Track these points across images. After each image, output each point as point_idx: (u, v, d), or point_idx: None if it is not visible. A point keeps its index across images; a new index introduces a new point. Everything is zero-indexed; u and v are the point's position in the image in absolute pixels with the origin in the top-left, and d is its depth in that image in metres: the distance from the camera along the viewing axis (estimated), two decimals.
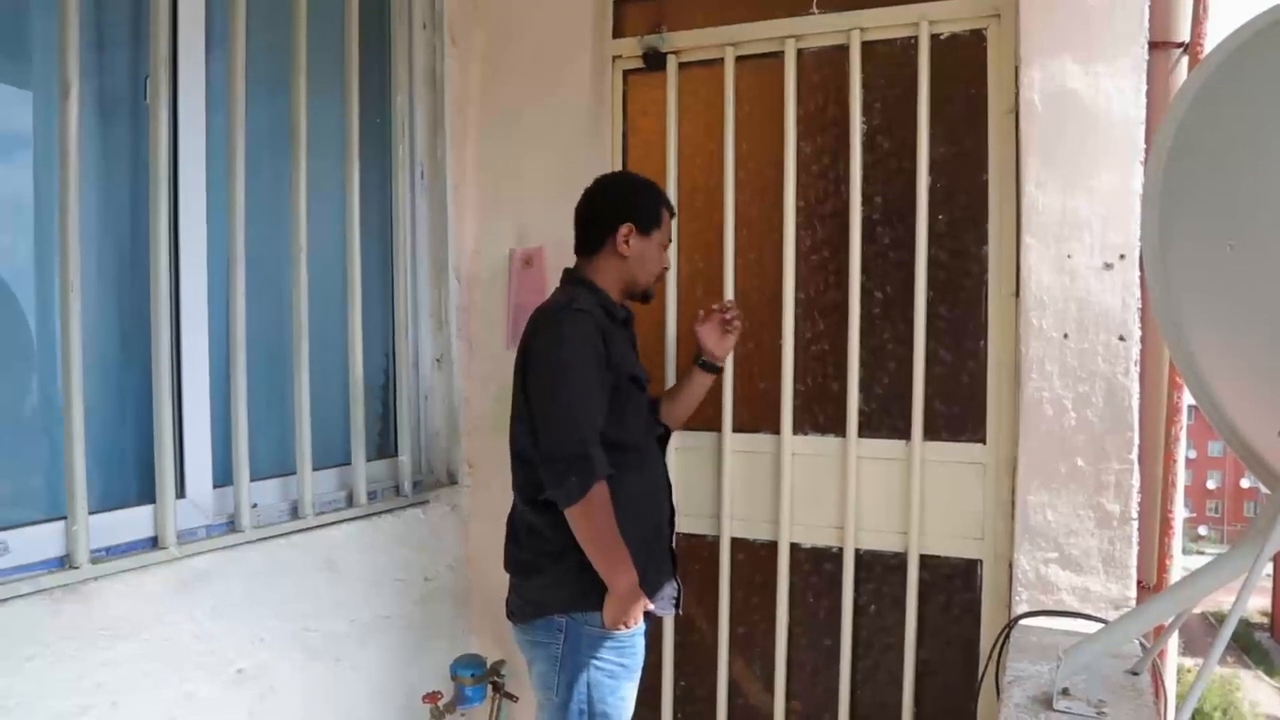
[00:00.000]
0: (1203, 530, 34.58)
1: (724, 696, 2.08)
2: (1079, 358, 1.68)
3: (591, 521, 1.48)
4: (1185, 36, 1.79)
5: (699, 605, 2.11)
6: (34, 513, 1.37)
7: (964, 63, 1.87)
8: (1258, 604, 24.63)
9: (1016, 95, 1.75)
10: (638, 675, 1.61)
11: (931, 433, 1.90)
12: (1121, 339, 1.66)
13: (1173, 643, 1.72)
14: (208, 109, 1.61)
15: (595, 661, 1.54)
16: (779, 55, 2.02)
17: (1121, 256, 1.66)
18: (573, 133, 2.14)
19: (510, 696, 2.01)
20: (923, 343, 1.88)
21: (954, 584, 1.90)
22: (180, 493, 1.57)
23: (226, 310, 1.65)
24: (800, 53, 2.01)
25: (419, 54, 2.13)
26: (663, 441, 1.83)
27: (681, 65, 2.13)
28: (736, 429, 2.06)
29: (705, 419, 2.00)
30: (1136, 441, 1.66)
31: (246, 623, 1.61)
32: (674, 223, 1.82)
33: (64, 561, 1.36)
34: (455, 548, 2.18)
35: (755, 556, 2.07)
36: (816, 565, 2.02)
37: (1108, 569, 1.67)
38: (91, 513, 1.39)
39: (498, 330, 2.21)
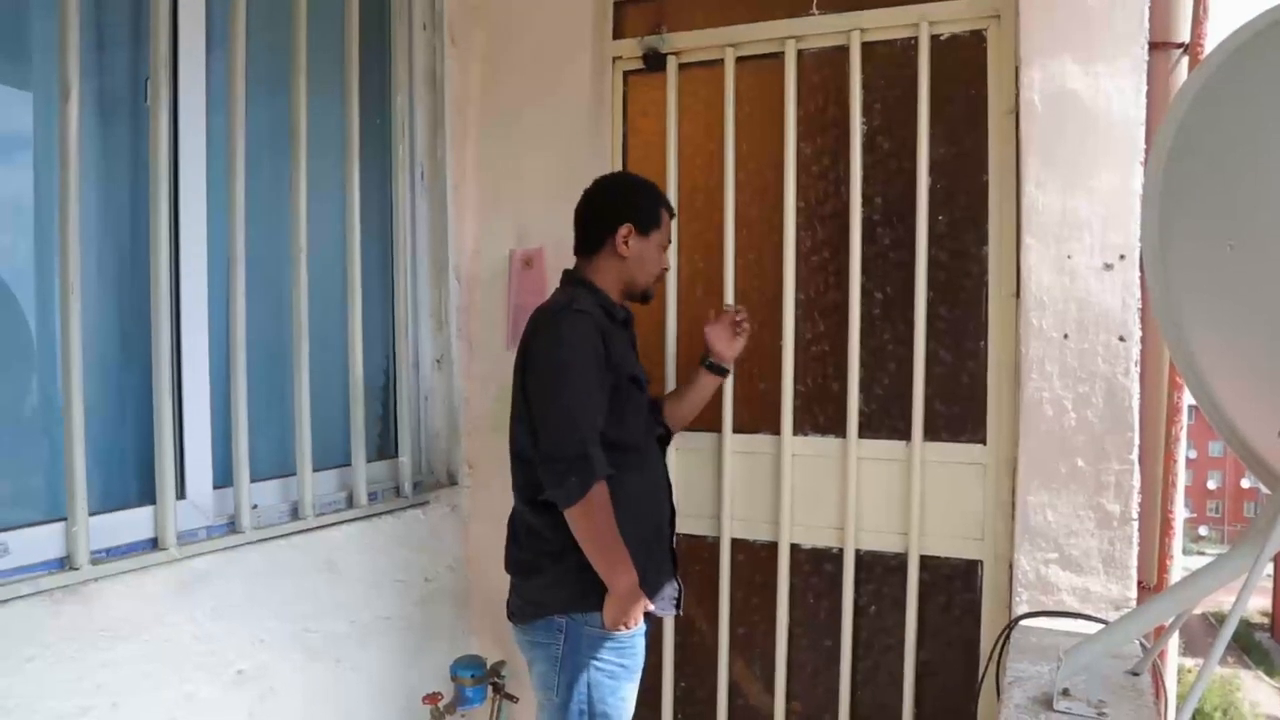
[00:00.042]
0: (1203, 530, 34.58)
1: (724, 697, 2.08)
2: (1079, 358, 1.68)
3: (591, 522, 1.48)
4: (1185, 37, 1.79)
5: (699, 606, 2.10)
6: (34, 514, 1.37)
7: (964, 63, 1.87)
8: (1258, 604, 24.63)
9: (1016, 96, 1.76)
10: (638, 676, 1.61)
11: (932, 433, 1.90)
12: (1121, 339, 1.66)
13: (1173, 643, 1.72)
14: (208, 109, 1.61)
15: (595, 662, 1.54)
16: (779, 56, 2.02)
17: (1121, 257, 1.66)
18: (573, 133, 2.14)
19: (510, 697, 2.00)
20: (923, 343, 1.88)
21: (954, 585, 1.90)
22: (180, 494, 1.57)
23: (227, 311, 1.65)
24: (800, 53, 2.01)
25: (419, 54, 2.13)
26: (663, 442, 1.83)
27: (681, 66, 2.13)
28: (737, 430, 2.06)
29: (705, 420, 2.00)
30: (1137, 442, 1.66)
31: (247, 624, 1.61)
32: (674, 223, 1.82)
33: (64, 563, 1.36)
34: (455, 548, 2.18)
35: (755, 557, 2.07)
36: (817, 566, 2.02)
37: (1108, 569, 1.67)
38: (91, 514, 1.39)
39: (498, 331, 2.21)
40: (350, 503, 1.91)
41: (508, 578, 1.67)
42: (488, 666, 1.98)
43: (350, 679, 1.84)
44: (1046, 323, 1.71)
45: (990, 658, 1.63)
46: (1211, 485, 35.48)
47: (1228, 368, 1.02)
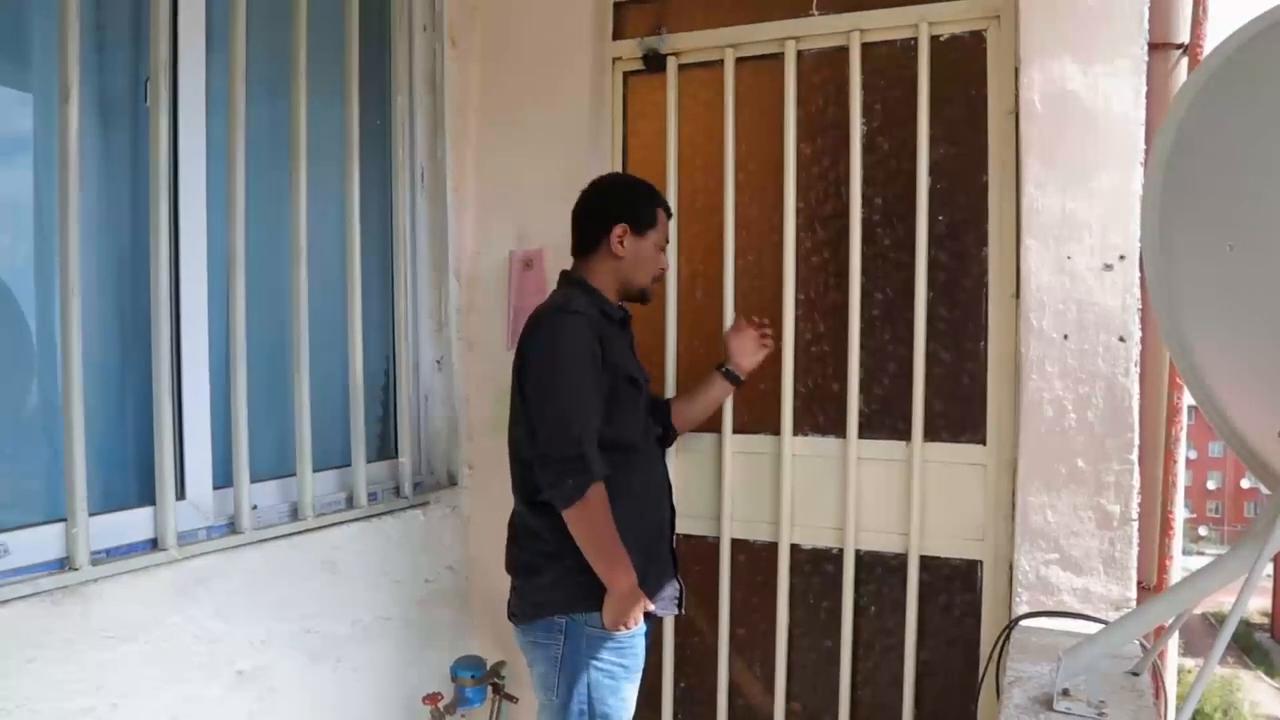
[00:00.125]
0: (1203, 531, 34.58)
1: (724, 697, 2.08)
2: (1079, 359, 1.68)
3: (589, 523, 1.48)
4: (1185, 38, 1.80)
5: (699, 606, 2.10)
6: (34, 515, 1.37)
7: (964, 64, 1.87)
8: (1258, 604, 24.62)
9: (1016, 96, 1.76)
10: (638, 676, 1.61)
11: (932, 434, 1.90)
12: (1121, 340, 1.66)
13: (1173, 643, 1.72)
14: (208, 111, 1.61)
15: (595, 662, 1.54)
16: (779, 57, 2.02)
17: (1121, 257, 1.66)
18: (573, 135, 2.14)
19: (510, 698, 2.00)
20: (923, 344, 1.88)
21: (954, 585, 1.90)
22: (180, 494, 1.57)
23: (227, 312, 1.65)
24: (800, 54, 2.01)
25: (419, 56, 2.13)
26: (663, 442, 1.84)
27: (681, 67, 2.13)
28: (737, 430, 2.06)
29: (706, 420, 1.99)
30: (1136, 442, 1.66)
31: (247, 624, 1.61)
32: (673, 224, 1.82)
33: (64, 563, 1.36)
34: (456, 549, 2.18)
35: (755, 558, 2.07)
36: (817, 566, 2.02)
37: (1108, 570, 1.67)
38: (91, 514, 1.39)
39: (498, 331, 2.21)
40: (350, 503, 1.91)
41: (508, 578, 1.67)
42: (488, 667, 1.98)
43: (350, 679, 1.84)
44: (1046, 323, 1.71)
45: (990, 658, 1.63)
46: (1211, 485, 35.48)
47: (1228, 368, 1.02)
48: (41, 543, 1.35)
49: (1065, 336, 1.69)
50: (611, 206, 1.67)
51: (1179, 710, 1.04)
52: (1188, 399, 1.71)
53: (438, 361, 2.19)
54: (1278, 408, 0.98)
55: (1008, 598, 1.79)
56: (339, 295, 1.92)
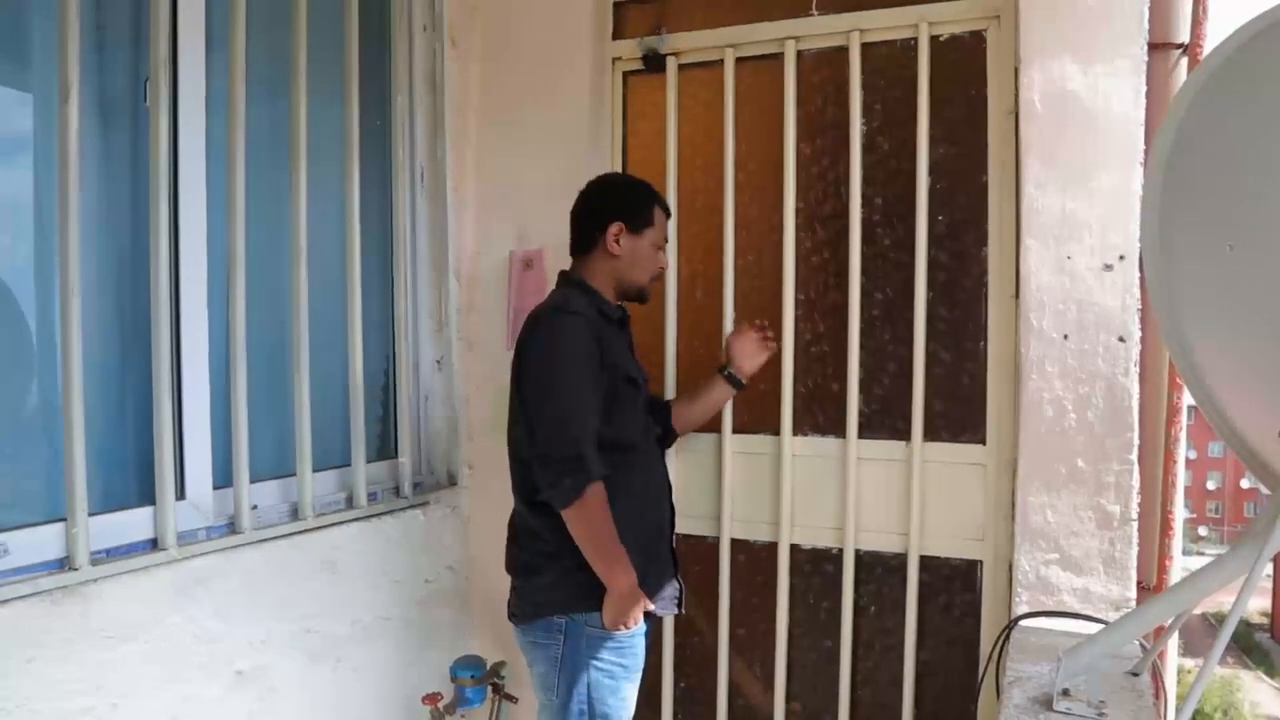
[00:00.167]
0: (1203, 531, 34.58)
1: (724, 697, 2.08)
2: (1079, 359, 1.68)
3: (588, 523, 1.48)
4: (1185, 38, 1.80)
5: (699, 606, 2.10)
6: (34, 514, 1.37)
7: (964, 64, 1.87)
8: (1258, 604, 24.63)
9: (1016, 96, 1.75)
10: (638, 676, 1.61)
11: (931, 434, 1.89)
12: (1121, 340, 1.66)
13: (1173, 643, 1.72)
14: (208, 111, 1.61)
15: (595, 662, 1.54)
16: (779, 57, 2.02)
17: (1121, 257, 1.66)
18: (573, 134, 2.14)
19: (510, 698, 2.00)
20: (923, 344, 1.88)
21: (954, 585, 1.90)
22: (180, 494, 1.57)
23: (226, 312, 1.65)
24: (800, 54, 2.01)
25: (419, 56, 2.13)
26: (662, 443, 1.84)
27: (681, 67, 2.13)
28: (736, 430, 2.06)
29: (706, 421, 1.99)
30: (1136, 442, 1.66)
31: (246, 624, 1.61)
32: (672, 224, 1.82)
33: (64, 563, 1.36)
34: (455, 549, 2.18)
35: (755, 558, 2.07)
36: (817, 566, 2.02)
37: (1108, 570, 1.67)
38: (91, 514, 1.39)
39: (498, 331, 2.21)
40: (350, 503, 1.91)
41: (508, 578, 1.67)
42: (488, 667, 1.98)
43: (350, 679, 1.84)
44: (1046, 323, 1.71)
45: (990, 658, 1.63)
46: (1211, 485, 35.48)
47: (1228, 368, 1.02)
48: (41, 542, 1.35)
49: (1065, 336, 1.69)
50: (608, 205, 1.67)
51: (1179, 710, 1.04)
52: (1188, 399, 1.71)
53: (438, 361, 2.19)
54: (1278, 408, 0.98)
55: (1007, 598, 1.79)
56: (339, 295, 1.92)
